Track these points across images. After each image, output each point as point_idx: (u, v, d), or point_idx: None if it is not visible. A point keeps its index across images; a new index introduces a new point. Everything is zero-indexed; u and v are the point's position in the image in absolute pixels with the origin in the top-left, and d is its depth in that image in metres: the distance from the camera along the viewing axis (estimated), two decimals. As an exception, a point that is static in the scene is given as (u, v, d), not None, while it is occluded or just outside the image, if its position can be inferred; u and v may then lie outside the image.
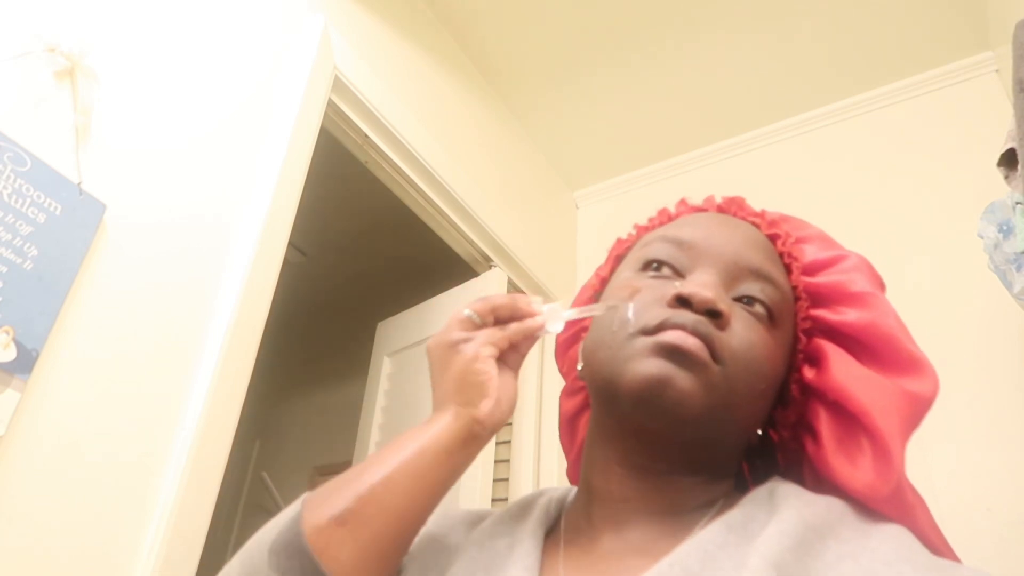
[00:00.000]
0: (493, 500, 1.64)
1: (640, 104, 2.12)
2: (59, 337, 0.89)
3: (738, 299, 0.50)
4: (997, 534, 1.32)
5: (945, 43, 1.84)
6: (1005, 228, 1.17)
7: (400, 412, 1.91)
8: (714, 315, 0.47)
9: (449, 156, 1.80)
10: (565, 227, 2.36)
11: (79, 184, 0.95)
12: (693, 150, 2.24)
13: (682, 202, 0.62)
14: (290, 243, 1.28)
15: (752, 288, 0.51)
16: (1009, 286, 1.16)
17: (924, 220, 1.72)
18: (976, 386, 1.48)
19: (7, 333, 0.83)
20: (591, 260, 2.24)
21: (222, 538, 2.80)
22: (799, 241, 0.57)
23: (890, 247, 1.73)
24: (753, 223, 0.57)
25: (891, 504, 0.46)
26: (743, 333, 0.48)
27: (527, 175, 2.23)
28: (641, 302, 0.50)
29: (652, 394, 0.46)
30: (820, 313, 0.53)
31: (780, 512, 0.44)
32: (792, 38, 1.87)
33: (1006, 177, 1.17)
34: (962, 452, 1.43)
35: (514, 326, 0.53)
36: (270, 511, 2.86)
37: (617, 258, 0.61)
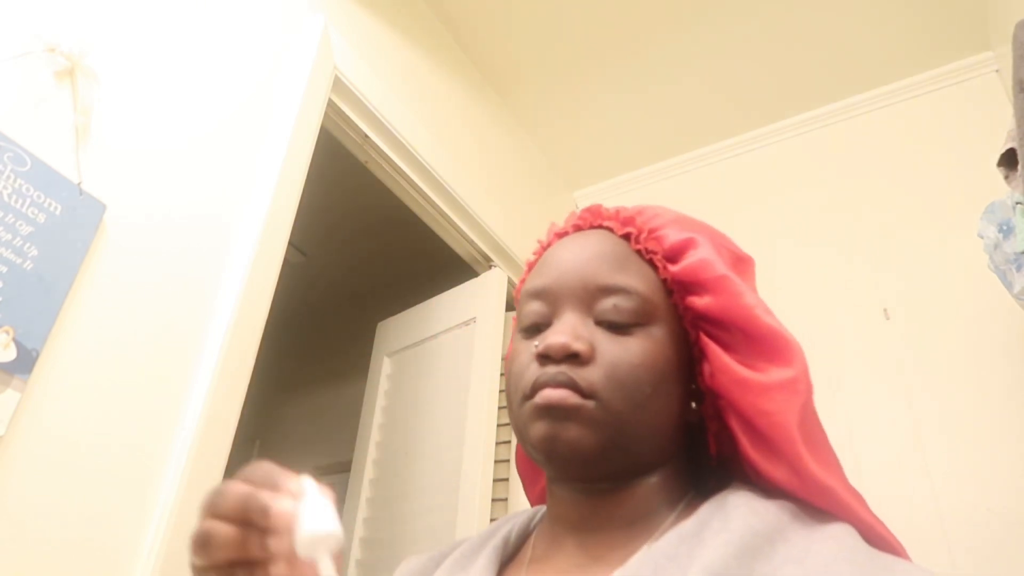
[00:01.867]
0: (493, 500, 1.65)
1: (640, 104, 2.12)
2: (59, 337, 0.89)
3: (601, 322, 0.52)
4: (997, 534, 1.32)
5: (945, 43, 1.84)
6: (1005, 228, 1.17)
7: (400, 412, 1.91)
8: (574, 356, 0.50)
9: (449, 156, 1.80)
10: (565, 227, 2.36)
11: (79, 184, 0.95)
12: (693, 150, 2.24)
13: (552, 227, 0.63)
14: (290, 243, 1.28)
15: (606, 306, 0.52)
16: (1009, 286, 1.16)
17: (924, 220, 1.72)
18: (976, 386, 1.48)
19: (7, 333, 0.83)
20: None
21: (222, 538, 2.80)
22: (654, 231, 0.56)
23: (890, 247, 1.73)
24: (608, 228, 0.57)
25: (822, 498, 0.48)
26: (609, 355, 0.50)
27: (527, 175, 2.23)
28: (518, 368, 0.53)
29: (548, 451, 0.50)
30: (692, 300, 0.53)
31: (729, 520, 0.45)
32: (791, 38, 1.87)
33: (1006, 177, 1.17)
34: (962, 452, 1.43)
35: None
36: (270, 511, 2.85)
37: (517, 298, 0.62)
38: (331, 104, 1.47)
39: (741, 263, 0.57)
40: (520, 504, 1.71)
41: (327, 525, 0.37)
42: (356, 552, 1.76)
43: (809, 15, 1.81)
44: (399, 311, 2.09)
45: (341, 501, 1.93)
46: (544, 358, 0.51)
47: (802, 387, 0.49)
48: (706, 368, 0.53)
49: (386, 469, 1.83)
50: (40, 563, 0.83)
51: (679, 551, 0.44)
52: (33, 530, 0.83)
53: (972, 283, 1.54)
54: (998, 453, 1.39)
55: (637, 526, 0.51)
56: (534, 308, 0.55)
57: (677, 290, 0.54)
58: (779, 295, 1.80)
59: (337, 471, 2.67)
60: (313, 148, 1.36)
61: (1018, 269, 1.13)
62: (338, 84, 1.47)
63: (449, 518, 1.59)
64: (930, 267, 1.65)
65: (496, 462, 1.71)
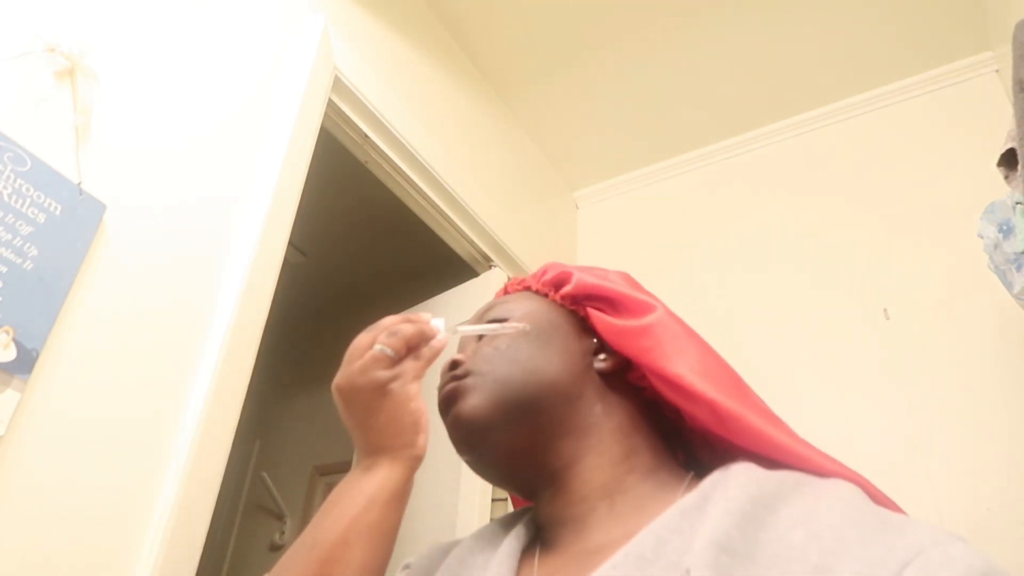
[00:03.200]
0: (493, 500, 1.64)
1: (641, 104, 2.11)
2: (59, 337, 0.89)
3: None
4: (997, 534, 1.32)
5: (945, 43, 1.84)
6: (1005, 228, 1.17)
7: (400, 412, 1.90)
8: (455, 365, 0.62)
9: (449, 156, 1.80)
10: (565, 227, 2.36)
11: (79, 184, 0.95)
12: (693, 150, 2.24)
13: None
14: (290, 243, 1.28)
15: (483, 323, 0.65)
16: (1009, 286, 1.16)
17: (924, 220, 1.72)
18: (976, 386, 1.48)
19: (7, 333, 0.83)
20: (591, 260, 2.24)
21: (222, 538, 2.80)
22: (522, 281, 0.71)
23: (890, 247, 1.73)
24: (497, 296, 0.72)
25: (730, 426, 0.52)
26: (480, 346, 0.62)
27: (527, 175, 2.23)
28: None
29: (456, 436, 0.59)
30: (564, 290, 0.65)
31: (728, 491, 0.46)
32: (793, 38, 1.87)
33: (1006, 177, 1.17)
34: (962, 452, 1.43)
35: (429, 353, 0.61)
36: (270, 511, 2.86)
37: None
38: (331, 104, 1.47)
39: (570, 269, 0.67)
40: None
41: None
42: (356, 552, 1.75)
43: (810, 15, 1.81)
44: (399, 311, 2.09)
45: (341, 501, 1.92)
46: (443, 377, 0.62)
47: (671, 322, 0.59)
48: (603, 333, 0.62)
49: (386, 469, 1.83)
50: (40, 563, 0.83)
51: (681, 525, 0.45)
52: (33, 530, 0.83)
53: (972, 283, 1.54)
54: (998, 453, 1.39)
55: (631, 503, 0.53)
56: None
57: (550, 291, 0.66)
58: (779, 294, 1.81)
59: (337, 471, 2.67)
60: (313, 148, 1.36)
61: (1018, 269, 1.13)
62: (338, 84, 1.47)
63: (449, 518, 1.59)
64: (930, 267, 1.65)
65: (496, 462, 1.71)
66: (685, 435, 0.62)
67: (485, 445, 0.57)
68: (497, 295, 0.73)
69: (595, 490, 0.55)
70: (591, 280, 0.64)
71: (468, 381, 0.59)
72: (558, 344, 0.61)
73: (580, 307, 0.64)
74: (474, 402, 0.57)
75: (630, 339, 0.59)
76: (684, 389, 0.54)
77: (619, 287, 0.63)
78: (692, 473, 0.57)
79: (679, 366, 0.55)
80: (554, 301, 0.66)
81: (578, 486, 0.55)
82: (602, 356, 0.61)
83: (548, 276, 0.68)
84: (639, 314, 0.60)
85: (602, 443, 0.57)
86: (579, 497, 0.55)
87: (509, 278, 1.96)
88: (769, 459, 0.51)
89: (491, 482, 0.62)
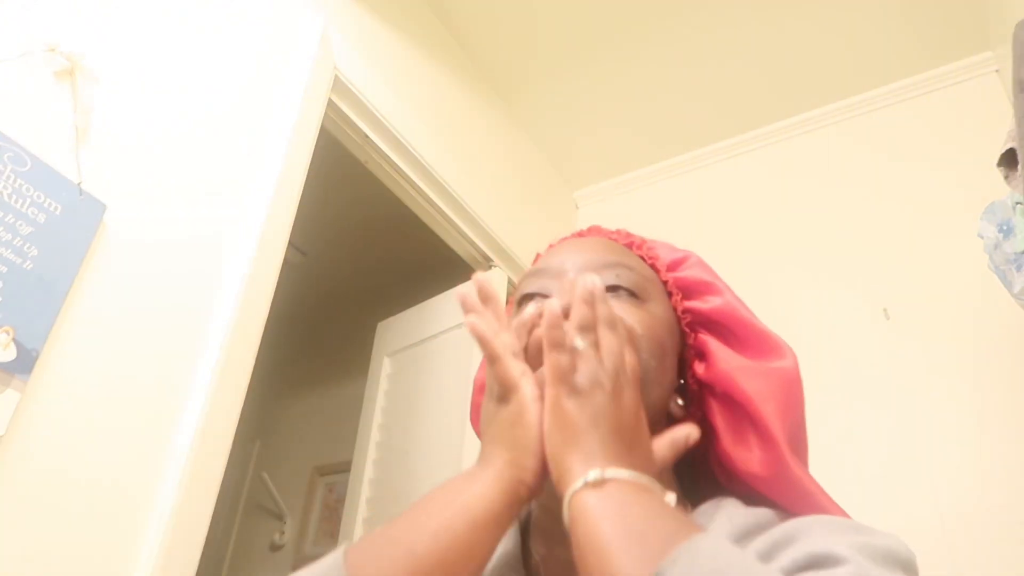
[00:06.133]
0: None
1: (640, 104, 2.11)
2: (59, 337, 0.89)
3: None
4: (997, 534, 1.32)
5: (945, 43, 1.84)
6: (1005, 228, 1.17)
7: (400, 412, 1.91)
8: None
9: (449, 156, 1.80)
10: (565, 227, 2.36)
11: (79, 184, 0.95)
12: (693, 150, 2.24)
13: (549, 245, 0.65)
14: (290, 243, 1.28)
15: (608, 277, 0.53)
16: (1009, 286, 1.17)
17: (924, 220, 1.72)
18: (976, 386, 1.48)
19: (7, 333, 0.83)
20: (591, 260, 2.23)
21: (222, 538, 2.80)
22: (652, 248, 0.60)
23: (890, 247, 1.73)
24: (609, 238, 0.61)
25: (788, 490, 0.50)
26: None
27: (527, 175, 2.23)
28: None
29: None
30: (692, 304, 0.56)
31: (732, 518, 0.48)
32: (793, 38, 1.87)
33: (1006, 177, 1.18)
34: (962, 452, 1.43)
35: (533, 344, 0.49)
36: (270, 511, 2.86)
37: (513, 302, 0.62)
38: (331, 104, 1.47)
39: (719, 279, 0.61)
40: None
41: None
42: (356, 552, 1.75)
43: (809, 15, 1.81)
44: (399, 311, 2.09)
45: (341, 501, 1.93)
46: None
47: (795, 384, 0.52)
48: (699, 366, 0.55)
49: (386, 469, 1.83)
50: (40, 563, 0.83)
51: None
52: (32, 530, 0.83)
53: (972, 283, 1.54)
54: (998, 453, 1.39)
55: None
56: (535, 283, 0.55)
57: (675, 292, 0.56)
58: (779, 295, 1.81)
59: (337, 471, 2.67)
60: (313, 148, 1.36)
61: (1018, 269, 1.13)
62: (338, 84, 1.47)
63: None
64: (930, 267, 1.65)
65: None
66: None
67: None
68: (580, 232, 0.62)
69: None
70: (729, 306, 0.55)
71: None
72: (663, 377, 0.53)
73: (693, 331, 0.56)
74: None
75: (751, 378, 0.52)
76: (771, 448, 0.50)
77: (752, 319, 0.55)
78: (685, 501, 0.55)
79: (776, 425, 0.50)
80: (674, 308, 0.56)
81: None
82: (680, 401, 0.55)
83: (686, 275, 0.57)
84: (771, 355, 0.53)
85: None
86: None
87: (510, 279, 1.96)
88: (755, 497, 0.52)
89: None
